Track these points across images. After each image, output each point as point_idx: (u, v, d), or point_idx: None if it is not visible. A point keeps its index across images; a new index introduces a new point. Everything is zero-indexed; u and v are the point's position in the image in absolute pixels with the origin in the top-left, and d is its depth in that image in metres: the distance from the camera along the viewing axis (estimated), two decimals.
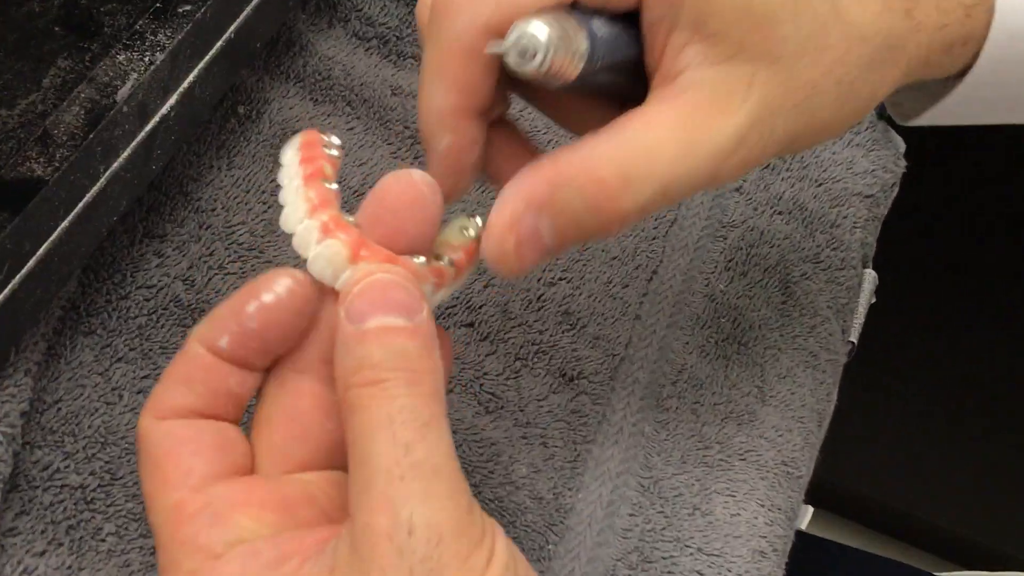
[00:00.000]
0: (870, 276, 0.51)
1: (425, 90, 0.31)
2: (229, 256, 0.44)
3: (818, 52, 0.31)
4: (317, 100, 0.49)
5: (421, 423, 0.28)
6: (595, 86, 0.32)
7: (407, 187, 0.31)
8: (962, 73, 0.37)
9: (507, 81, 0.32)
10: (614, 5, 0.31)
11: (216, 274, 0.44)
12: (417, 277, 0.31)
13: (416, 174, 0.32)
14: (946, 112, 0.39)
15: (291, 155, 0.32)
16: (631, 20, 0.32)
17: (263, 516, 0.29)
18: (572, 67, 0.30)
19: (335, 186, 0.32)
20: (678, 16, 0.30)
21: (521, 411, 0.44)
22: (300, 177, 0.32)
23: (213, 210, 0.45)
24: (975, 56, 0.36)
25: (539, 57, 0.29)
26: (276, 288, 0.31)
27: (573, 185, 0.30)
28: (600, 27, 0.31)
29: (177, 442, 0.30)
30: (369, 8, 0.51)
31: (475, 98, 0.31)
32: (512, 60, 0.29)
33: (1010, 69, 0.36)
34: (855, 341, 0.50)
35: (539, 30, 0.29)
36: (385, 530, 0.27)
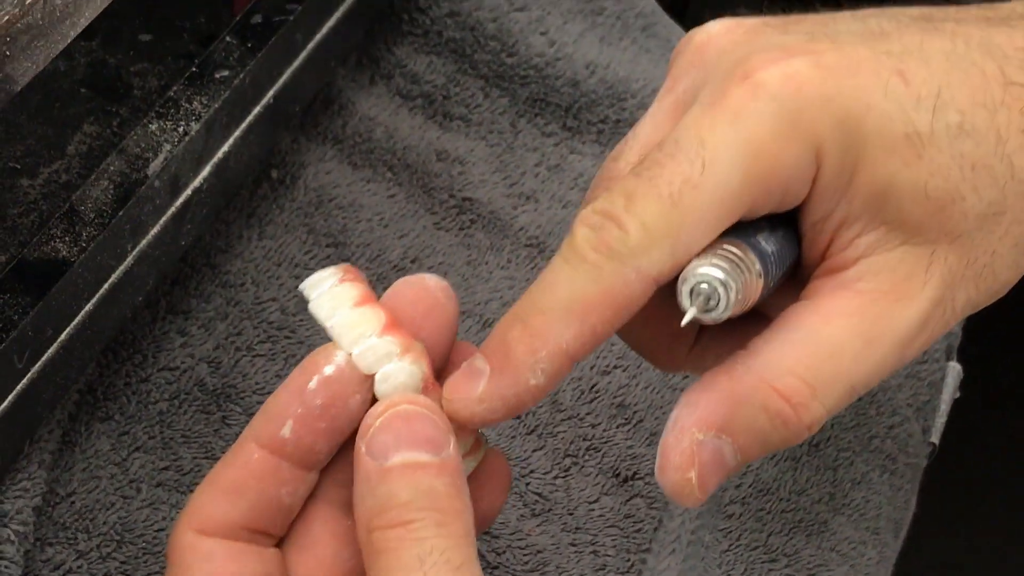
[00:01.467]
0: (954, 370, 0.51)
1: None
2: (258, 336, 0.46)
3: (996, 217, 0.32)
4: (356, 164, 0.50)
5: (453, 567, 0.29)
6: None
7: (421, 293, 0.32)
8: None
9: None
10: (780, 210, 0.32)
11: (244, 356, 0.45)
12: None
13: (430, 279, 0.33)
14: None
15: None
16: (786, 220, 0.33)
17: None
18: (754, 295, 0.30)
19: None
20: (850, 209, 0.31)
21: (570, 514, 0.45)
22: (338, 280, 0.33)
23: (242, 284, 0.46)
24: None
25: (723, 303, 0.29)
26: (335, 359, 0.31)
27: (755, 401, 0.31)
28: (766, 240, 0.31)
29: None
30: (414, 64, 0.52)
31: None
32: (697, 316, 0.29)
33: None
34: (936, 442, 0.50)
35: (715, 272, 0.29)
36: None
